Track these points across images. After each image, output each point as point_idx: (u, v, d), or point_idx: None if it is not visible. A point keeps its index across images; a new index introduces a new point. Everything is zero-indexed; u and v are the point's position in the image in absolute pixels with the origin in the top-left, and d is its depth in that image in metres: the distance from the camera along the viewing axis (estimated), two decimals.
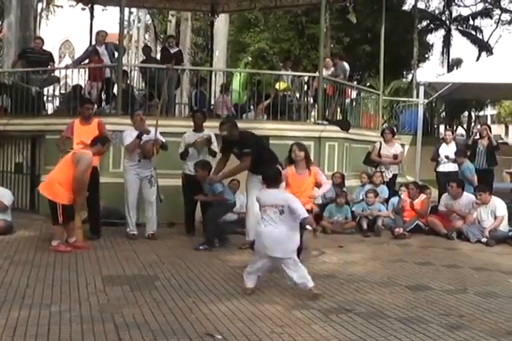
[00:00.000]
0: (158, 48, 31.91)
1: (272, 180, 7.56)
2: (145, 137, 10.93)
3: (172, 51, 15.69)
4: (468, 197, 12.43)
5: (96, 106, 13.73)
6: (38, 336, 5.61)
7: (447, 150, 14.62)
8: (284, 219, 7.14)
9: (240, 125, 13.82)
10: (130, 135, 11.02)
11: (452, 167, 14.34)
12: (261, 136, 13.27)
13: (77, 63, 15.45)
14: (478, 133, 15.81)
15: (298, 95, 15.44)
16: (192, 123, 11.87)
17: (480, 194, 12.11)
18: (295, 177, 8.93)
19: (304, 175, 8.97)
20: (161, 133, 11.23)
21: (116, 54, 14.72)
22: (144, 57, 17.48)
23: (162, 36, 43.14)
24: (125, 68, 15.26)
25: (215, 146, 11.49)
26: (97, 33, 15.50)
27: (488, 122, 73.40)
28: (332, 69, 16.44)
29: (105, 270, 8.46)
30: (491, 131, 15.37)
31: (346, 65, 16.78)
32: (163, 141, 11.17)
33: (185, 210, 11.54)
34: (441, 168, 14.56)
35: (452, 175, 13.93)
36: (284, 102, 14.39)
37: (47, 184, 10.01)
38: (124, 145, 11.14)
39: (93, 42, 15.63)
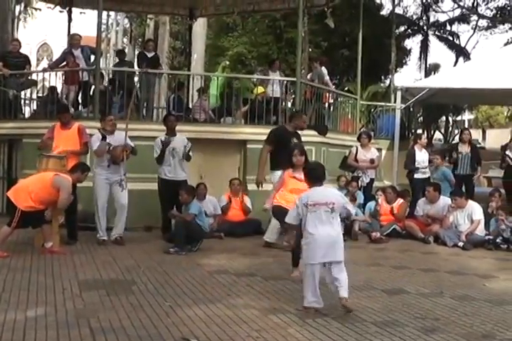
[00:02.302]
0: (136, 52, 31.89)
1: (321, 177, 7.24)
2: (113, 141, 10.91)
3: (149, 55, 15.63)
4: (444, 200, 12.52)
5: (73, 109, 13.70)
6: None
7: (423, 156, 14.61)
8: (334, 217, 6.94)
9: (218, 129, 13.92)
10: (98, 139, 11.02)
11: (428, 173, 14.37)
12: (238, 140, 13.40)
13: (53, 66, 15.38)
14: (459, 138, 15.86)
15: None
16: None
17: (455, 198, 12.20)
18: (292, 180, 8.86)
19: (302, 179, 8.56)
20: (134, 137, 11.23)
21: (92, 57, 14.67)
22: (118, 60, 17.48)
23: (140, 40, 43.03)
24: (103, 71, 15.19)
25: (190, 150, 11.52)
26: (72, 37, 15.50)
27: (466, 127, 73.83)
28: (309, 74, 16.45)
29: (82, 274, 8.43)
30: (471, 137, 15.45)
31: (324, 70, 16.76)
32: (133, 145, 11.15)
33: (163, 215, 11.53)
34: (421, 175, 14.44)
35: (428, 181, 14.01)
36: (262, 106, 14.39)
37: (17, 188, 10.09)
38: (93, 149, 11.09)
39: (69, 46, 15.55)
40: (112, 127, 11.10)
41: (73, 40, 15.17)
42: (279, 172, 9.97)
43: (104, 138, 10.91)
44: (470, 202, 12.18)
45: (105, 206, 11.08)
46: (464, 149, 14.74)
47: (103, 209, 11.06)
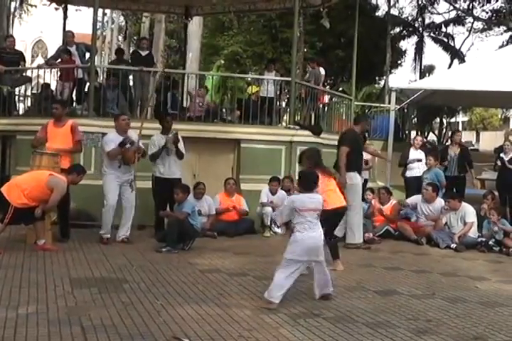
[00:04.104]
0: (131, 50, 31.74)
1: (314, 183, 7.50)
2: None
3: (143, 54, 15.60)
4: (440, 201, 12.56)
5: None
6: (4, 339, 5.56)
7: (417, 155, 14.73)
8: (318, 221, 7.25)
9: (212, 128, 13.90)
10: (113, 141, 10.87)
11: (420, 172, 14.43)
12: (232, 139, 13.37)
13: (49, 63, 15.34)
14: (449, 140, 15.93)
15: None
16: (159, 125, 11.83)
17: (448, 201, 12.23)
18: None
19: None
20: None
21: (87, 54, 14.66)
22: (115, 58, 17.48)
23: (135, 38, 42.97)
24: (98, 69, 15.16)
25: (182, 147, 11.46)
26: (65, 34, 15.54)
27: (460, 129, 73.98)
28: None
29: (74, 272, 8.41)
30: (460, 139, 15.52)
31: (320, 71, 16.76)
32: (144, 148, 11.15)
33: (156, 213, 11.49)
34: (413, 173, 14.59)
35: (419, 179, 14.07)
36: (256, 106, 14.37)
37: (10, 185, 10.06)
38: (106, 151, 10.92)
39: (65, 43, 15.56)
40: (127, 127, 11.06)
41: (67, 37, 15.22)
42: (352, 174, 10.64)
43: (123, 144, 10.80)
44: (463, 204, 12.18)
45: (115, 205, 10.96)
46: (453, 151, 14.82)
47: (113, 208, 10.94)
